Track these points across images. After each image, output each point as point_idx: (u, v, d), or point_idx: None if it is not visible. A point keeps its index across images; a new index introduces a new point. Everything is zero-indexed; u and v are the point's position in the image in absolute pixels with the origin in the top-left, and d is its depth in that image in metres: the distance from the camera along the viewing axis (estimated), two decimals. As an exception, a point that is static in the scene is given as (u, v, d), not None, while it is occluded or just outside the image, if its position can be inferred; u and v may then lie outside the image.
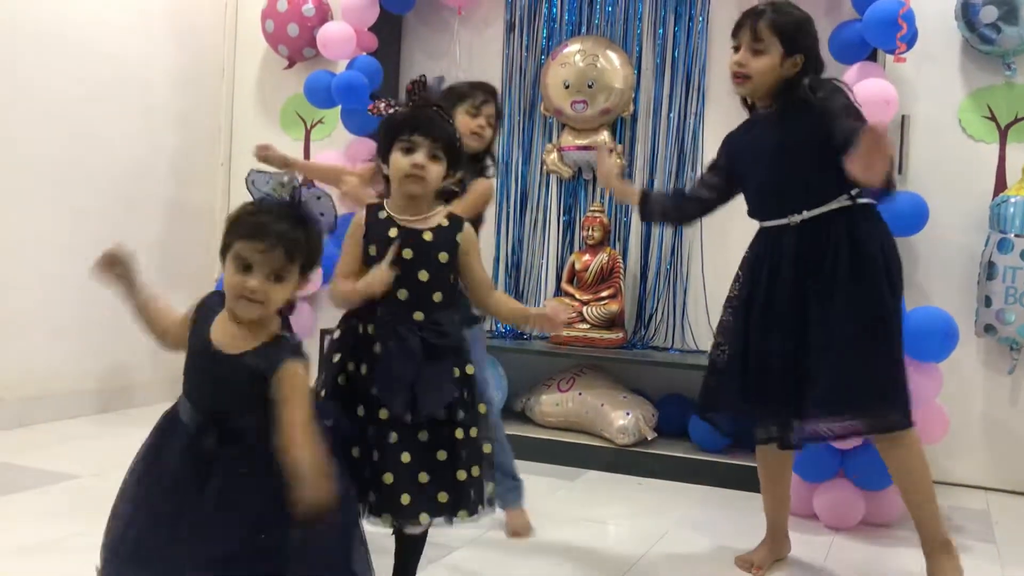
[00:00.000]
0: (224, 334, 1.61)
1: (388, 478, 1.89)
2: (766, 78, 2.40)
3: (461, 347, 1.99)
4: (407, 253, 1.94)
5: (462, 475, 1.93)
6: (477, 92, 2.73)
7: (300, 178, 1.64)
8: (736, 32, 2.45)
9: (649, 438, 3.64)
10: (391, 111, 2.06)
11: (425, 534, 2.07)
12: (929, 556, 2.42)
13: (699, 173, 3.97)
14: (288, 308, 1.68)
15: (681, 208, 2.71)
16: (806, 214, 2.38)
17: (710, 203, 2.66)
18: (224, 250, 1.62)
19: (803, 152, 2.38)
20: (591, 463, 3.59)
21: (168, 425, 1.63)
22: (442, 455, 1.92)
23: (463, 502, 1.93)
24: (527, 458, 3.59)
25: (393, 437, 1.90)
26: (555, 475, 3.47)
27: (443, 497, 1.91)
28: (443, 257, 1.97)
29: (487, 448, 1.98)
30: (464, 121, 2.68)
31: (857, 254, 2.34)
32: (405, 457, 1.89)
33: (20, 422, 3.75)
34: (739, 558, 2.61)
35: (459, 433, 1.95)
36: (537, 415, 3.90)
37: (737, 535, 2.78)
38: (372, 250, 1.96)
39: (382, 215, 2.00)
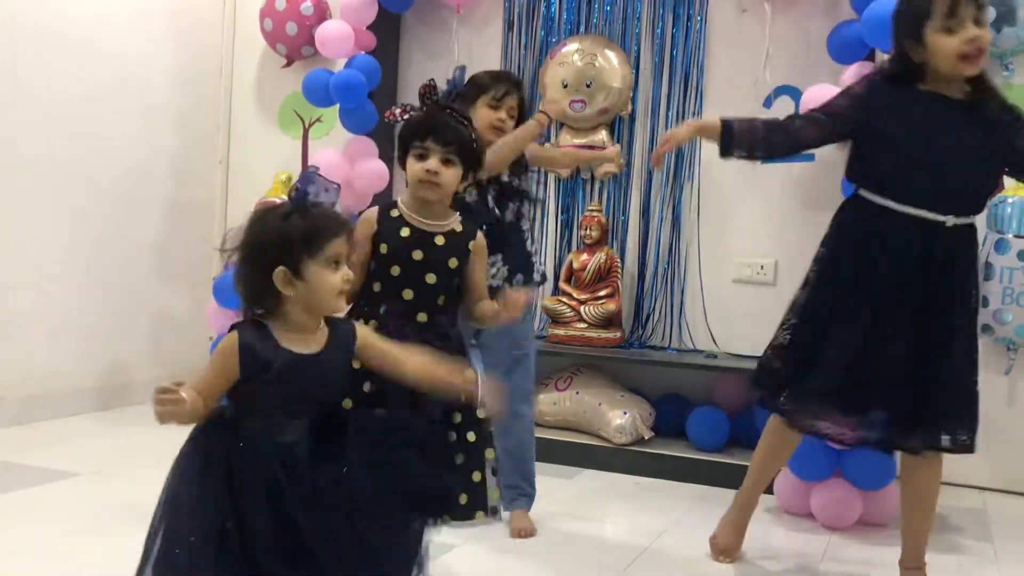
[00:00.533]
0: (295, 343, 1.56)
1: (476, 475, 1.97)
2: (985, 51, 2.19)
3: (462, 352, 2.01)
4: (417, 254, 1.96)
5: (476, 476, 1.97)
6: (499, 83, 2.68)
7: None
8: (956, 7, 2.15)
9: (646, 437, 3.65)
10: (407, 116, 2.07)
11: None
12: (910, 571, 2.47)
13: (696, 175, 3.98)
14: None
15: (769, 140, 2.39)
16: (962, 220, 2.25)
17: (807, 139, 2.38)
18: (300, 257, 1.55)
19: (995, 158, 2.27)
20: (588, 462, 3.60)
21: (245, 457, 1.52)
22: (460, 458, 1.96)
23: (478, 503, 1.97)
24: (525, 457, 3.61)
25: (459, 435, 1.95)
26: (553, 474, 3.47)
27: (463, 499, 1.95)
28: (452, 263, 1.98)
29: (490, 454, 2.00)
30: (484, 113, 2.63)
31: (973, 272, 2.32)
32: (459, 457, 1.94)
33: (20, 420, 3.76)
34: (712, 541, 2.63)
35: (471, 436, 1.98)
36: (534, 414, 3.91)
37: (753, 528, 2.77)
38: (384, 248, 1.97)
39: (394, 214, 2.01)
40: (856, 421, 2.33)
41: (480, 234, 2.05)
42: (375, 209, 2.02)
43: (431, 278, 1.96)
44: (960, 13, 2.16)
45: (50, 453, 3.37)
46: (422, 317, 1.96)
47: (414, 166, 1.98)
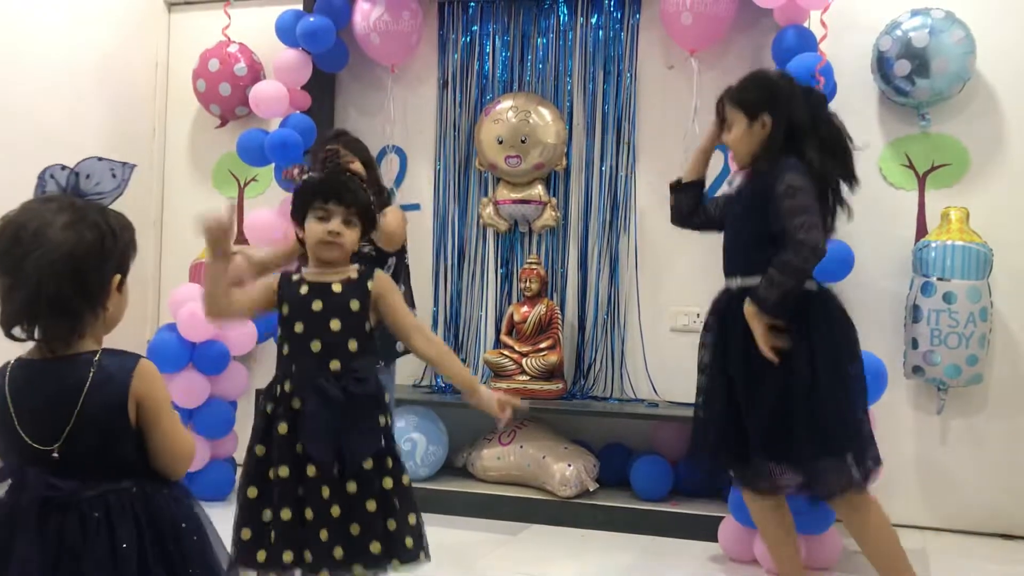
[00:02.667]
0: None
1: (323, 534, 1.88)
2: (741, 145, 2.62)
3: (380, 395, 2.01)
4: (316, 305, 1.99)
5: (392, 524, 1.94)
6: (326, 145, 2.82)
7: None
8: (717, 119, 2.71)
9: (591, 489, 3.64)
10: (304, 177, 2.10)
11: None
12: None
13: (632, 226, 4.04)
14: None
15: (692, 212, 2.83)
16: (744, 281, 2.55)
17: (708, 220, 2.82)
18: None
19: (753, 217, 2.54)
20: (534, 517, 3.57)
21: None
22: (371, 505, 1.93)
23: (395, 550, 1.94)
24: (469, 514, 3.57)
25: (325, 492, 1.89)
26: (498, 531, 3.44)
27: (375, 547, 1.92)
28: (354, 305, 2.00)
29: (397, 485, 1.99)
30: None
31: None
32: (335, 511, 1.89)
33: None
34: None
35: (388, 482, 1.96)
36: (479, 470, 3.87)
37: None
38: (285, 309, 2.01)
39: (295, 278, 2.06)
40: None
41: (379, 271, 2.09)
42: (278, 275, 2.08)
43: (335, 324, 1.98)
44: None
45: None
46: (335, 365, 1.96)
47: (315, 227, 2.02)
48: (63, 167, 1.49)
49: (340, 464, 1.91)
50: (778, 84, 2.61)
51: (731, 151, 2.68)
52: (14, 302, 1.37)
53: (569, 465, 3.62)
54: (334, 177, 2.05)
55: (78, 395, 1.37)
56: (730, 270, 2.61)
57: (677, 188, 2.83)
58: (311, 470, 1.90)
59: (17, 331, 1.40)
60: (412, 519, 1.98)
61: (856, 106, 3.71)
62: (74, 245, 1.37)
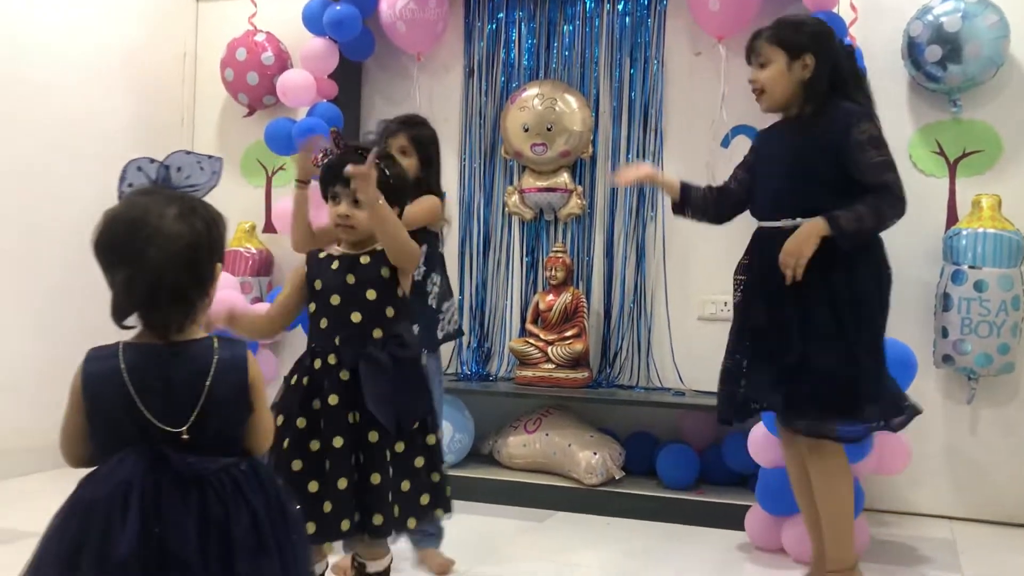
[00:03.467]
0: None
1: (389, 496, 1.97)
2: (777, 85, 2.53)
3: (419, 357, 2.10)
4: (350, 278, 2.03)
5: (436, 476, 2.06)
6: (389, 125, 2.77)
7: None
8: (747, 59, 2.61)
9: (617, 477, 3.64)
10: (325, 160, 2.14)
11: (387, 574, 2.10)
12: None
13: (659, 214, 4.02)
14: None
15: (718, 204, 2.75)
16: (797, 222, 2.47)
17: (739, 198, 2.72)
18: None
19: (814, 160, 2.48)
20: (559, 504, 3.57)
21: None
22: (419, 461, 2.03)
23: (440, 501, 2.06)
24: (495, 501, 3.58)
25: (388, 455, 1.97)
26: (523, 517, 3.45)
27: (424, 499, 2.02)
28: (384, 272, 2.04)
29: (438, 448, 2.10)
30: None
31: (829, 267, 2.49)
32: (390, 471, 1.98)
33: (-24, 479, 3.67)
34: None
35: (431, 439, 2.07)
36: (504, 457, 3.89)
37: (706, 572, 2.77)
38: (318, 284, 2.05)
39: (322, 255, 2.10)
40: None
41: None
42: (305, 255, 2.12)
43: (371, 293, 2.02)
44: (751, 60, 2.58)
45: (9, 512, 3.28)
46: (377, 333, 2.01)
47: (331, 211, 2.08)
48: (151, 160, 1.52)
49: (399, 427, 1.98)
50: (822, 27, 2.56)
51: (761, 91, 2.55)
52: (135, 292, 1.42)
53: (595, 453, 3.62)
54: (339, 160, 2.07)
55: (204, 379, 1.43)
56: (782, 212, 2.49)
57: (681, 211, 2.79)
58: (373, 436, 1.95)
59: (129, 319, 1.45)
60: (443, 471, 2.10)
61: (886, 92, 3.64)
62: (189, 236, 1.43)
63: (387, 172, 2.08)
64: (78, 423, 1.45)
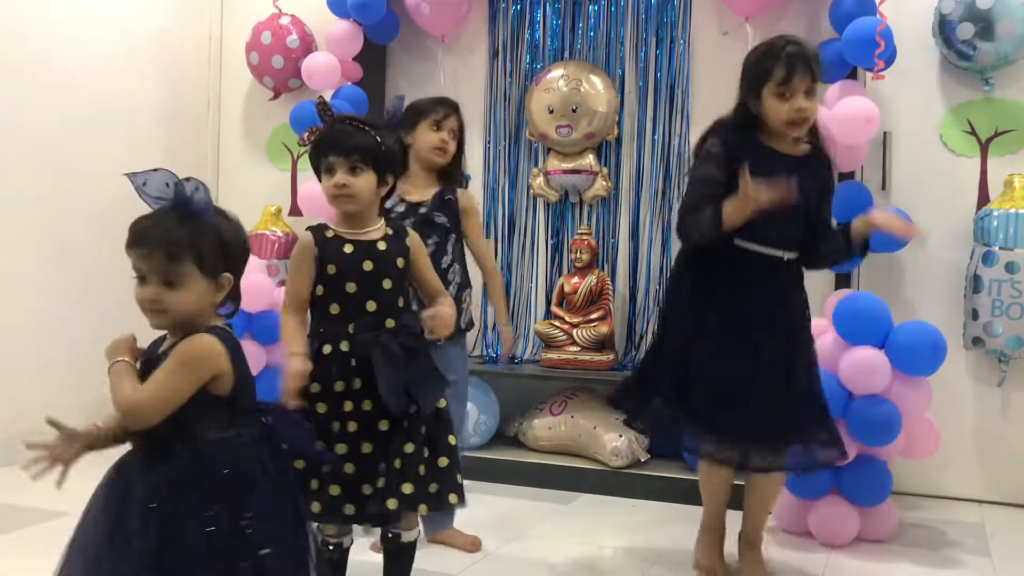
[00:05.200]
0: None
1: (407, 488, 1.95)
2: (815, 118, 2.49)
3: (428, 347, 2.07)
4: (367, 265, 1.99)
5: (443, 462, 2.01)
6: (438, 107, 2.76)
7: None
8: (789, 79, 2.40)
9: (642, 460, 3.64)
10: (313, 138, 2.10)
11: (414, 546, 2.10)
12: (753, 547, 2.64)
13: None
14: (228, 308, 1.64)
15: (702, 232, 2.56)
16: (792, 256, 2.54)
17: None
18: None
19: (808, 198, 2.50)
20: (585, 486, 3.58)
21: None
22: (426, 450, 2.00)
23: (453, 488, 2.02)
24: (521, 483, 3.60)
25: (400, 441, 1.96)
26: (549, 499, 3.46)
27: (433, 487, 1.99)
28: (400, 263, 2.03)
29: (452, 440, 2.07)
30: (427, 137, 2.72)
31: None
32: (397, 463, 1.96)
33: (10, 460, 3.72)
34: (698, 567, 2.67)
35: (443, 429, 2.05)
36: (530, 439, 3.90)
37: (732, 554, 2.77)
38: (332, 269, 2.00)
39: (329, 234, 2.03)
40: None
41: (411, 231, 2.11)
42: (308, 234, 2.04)
43: (388, 283, 2.00)
44: (793, 83, 2.40)
45: (40, 493, 3.32)
46: (390, 323, 2.00)
47: (326, 183, 2.02)
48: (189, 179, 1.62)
49: (416, 413, 1.96)
50: None
51: (805, 120, 2.45)
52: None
53: (620, 435, 3.62)
54: (329, 129, 2.04)
55: None
56: (789, 244, 2.51)
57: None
58: (383, 425, 1.95)
59: None
60: (455, 458, 2.06)
61: (917, 71, 3.62)
62: None
63: (379, 140, 2.02)
64: None
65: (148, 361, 1.58)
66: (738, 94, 2.55)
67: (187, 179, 1.55)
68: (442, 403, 2.06)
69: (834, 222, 2.67)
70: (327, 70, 4.04)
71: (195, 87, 4.72)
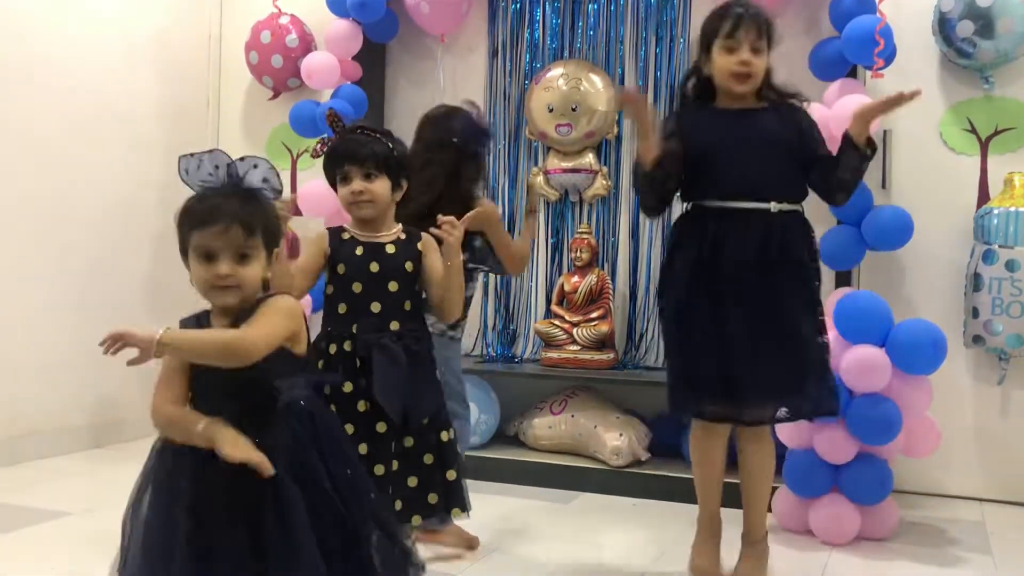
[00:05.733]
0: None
1: (389, 489, 1.97)
2: (760, 75, 2.48)
3: (433, 353, 2.10)
4: (374, 267, 2.04)
5: (451, 475, 2.05)
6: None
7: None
8: (734, 31, 2.43)
9: (643, 459, 3.64)
10: (326, 148, 2.13)
11: None
12: (754, 544, 2.61)
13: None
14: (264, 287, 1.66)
15: (664, 188, 2.53)
16: (783, 206, 2.45)
17: (671, 186, 2.54)
18: (183, 247, 1.60)
19: (787, 149, 2.48)
20: (585, 485, 3.58)
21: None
22: (428, 458, 2.03)
23: (455, 500, 2.06)
24: (521, 483, 3.60)
25: (392, 448, 1.99)
26: (549, 498, 3.46)
27: (432, 499, 2.02)
28: (409, 266, 2.06)
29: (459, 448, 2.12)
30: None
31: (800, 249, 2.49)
32: (395, 465, 1.96)
33: (11, 460, 3.73)
34: (693, 568, 2.64)
35: (444, 436, 2.07)
36: (530, 439, 3.90)
37: (732, 553, 2.76)
38: (341, 268, 2.05)
39: (345, 236, 2.08)
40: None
41: (424, 234, 2.12)
42: (324, 231, 2.09)
43: (394, 286, 2.03)
44: (738, 36, 2.42)
45: (41, 492, 3.33)
46: (394, 325, 2.02)
47: (342, 191, 2.07)
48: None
49: (405, 420, 1.98)
50: None
51: (748, 75, 2.43)
52: None
53: (620, 435, 3.62)
54: (344, 139, 2.08)
55: None
56: (767, 194, 2.43)
57: (647, 179, 2.49)
58: (381, 427, 1.96)
59: None
60: (452, 474, 2.09)
61: (916, 69, 3.61)
62: None
63: (392, 147, 2.07)
64: None
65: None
66: (693, 62, 2.59)
67: (242, 158, 1.61)
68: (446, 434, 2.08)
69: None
70: (326, 69, 4.04)
71: (194, 86, 4.72)
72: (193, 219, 1.57)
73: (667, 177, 2.49)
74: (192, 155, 1.60)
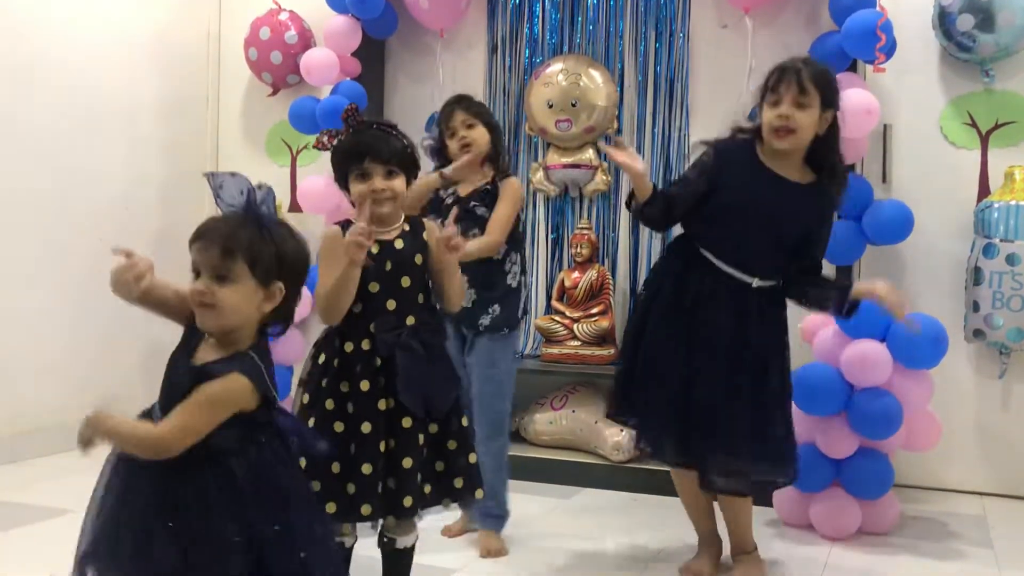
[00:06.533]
0: (202, 351, 1.60)
1: (419, 477, 2.00)
2: (808, 133, 2.41)
3: (445, 344, 2.11)
4: (388, 265, 2.03)
5: (472, 458, 2.08)
6: (444, 109, 2.82)
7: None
8: (777, 86, 2.40)
9: (644, 454, 3.63)
10: (335, 142, 2.11)
11: (412, 551, 2.12)
12: (747, 553, 2.62)
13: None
14: (277, 328, 1.66)
15: (670, 215, 2.56)
16: (764, 283, 2.48)
17: (688, 207, 2.53)
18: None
19: (809, 231, 2.50)
20: (586, 481, 3.58)
21: None
22: (452, 444, 2.06)
23: (477, 481, 2.08)
24: (522, 478, 3.59)
25: (420, 439, 2.00)
26: (551, 494, 3.46)
27: (459, 483, 2.05)
28: (418, 259, 2.05)
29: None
30: (451, 145, 2.79)
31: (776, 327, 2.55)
32: (424, 453, 2.01)
33: (11, 458, 3.73)
34: (684, 568, 2.66)
35: (464, 420, 2.10)
36: (531, 434, 3.89)
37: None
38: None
39: None
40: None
41: (426, 220, 2.13)
42: (336, 228, 2.04)
43: (406, 281, 2.03)
44: (780, 91, 2.40)
45: (42, 490, 3.33)
46: (411, 320, 2.02)
47: (359, 187, 2.03)
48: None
49: (427, 414, 2.00)
50: (838, 85, 2.48)
51: (790, 131, 2.39)
52: None
53: (621, 430, 3.62)
54: (365, 134, 2.06)
55: None
56: (756, 270, 2.45)
57: (639, 212, 2.56)
58: (407, 422, 1.97)
59: None
60: (473, 457, 2.12)
61: (917, 63, 3.61)
62: None
63: (406, 144, 2.07)
64: None
65: (179, 372, 1.59)
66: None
67: (259, 185, 1.61)
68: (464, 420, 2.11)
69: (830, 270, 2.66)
70: (326, 66, 4.03)
71: (194, 83, 4.71)
72: (192, 234, 1.61)
73: (663, 215, 2.53)
74: (215, 174, 1.62)
